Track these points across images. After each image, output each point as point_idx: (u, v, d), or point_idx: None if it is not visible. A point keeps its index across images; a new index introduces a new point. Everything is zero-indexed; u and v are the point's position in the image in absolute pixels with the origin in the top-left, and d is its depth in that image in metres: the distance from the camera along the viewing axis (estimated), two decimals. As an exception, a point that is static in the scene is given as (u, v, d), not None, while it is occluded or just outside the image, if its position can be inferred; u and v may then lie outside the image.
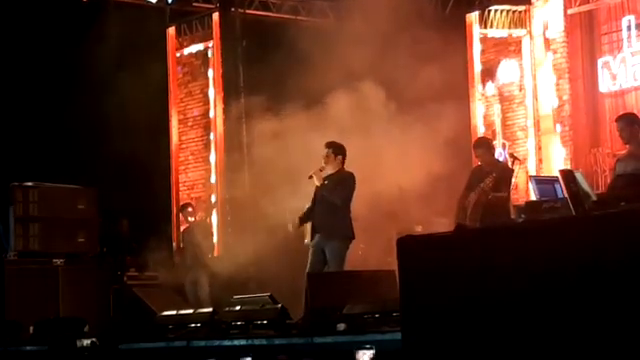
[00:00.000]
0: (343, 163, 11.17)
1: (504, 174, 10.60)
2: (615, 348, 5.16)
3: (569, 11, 14.68)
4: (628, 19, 14.10)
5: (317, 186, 11.10)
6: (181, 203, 15.62)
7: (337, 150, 11.15)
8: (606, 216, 5.65)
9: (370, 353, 6.39)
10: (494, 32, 15.29)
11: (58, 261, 13.44)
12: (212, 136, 16.21)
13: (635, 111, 11.90)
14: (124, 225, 15.58)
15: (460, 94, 14.84)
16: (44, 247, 13.58)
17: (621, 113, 11.37)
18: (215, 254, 15.30)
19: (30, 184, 13.77)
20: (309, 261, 11.10)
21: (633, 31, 14.01)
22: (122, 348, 9.66)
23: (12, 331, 11.39)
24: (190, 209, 14.87)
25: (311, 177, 11.09)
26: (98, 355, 8.70)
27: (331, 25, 16.27)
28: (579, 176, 6.19)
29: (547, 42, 14.81)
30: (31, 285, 13.14)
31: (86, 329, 10.34)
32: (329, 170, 11.12)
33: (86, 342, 8.68)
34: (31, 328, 11.13)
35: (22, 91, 15.56)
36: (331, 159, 11.10)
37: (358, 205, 13.03)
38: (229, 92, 16.13)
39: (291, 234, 13.24)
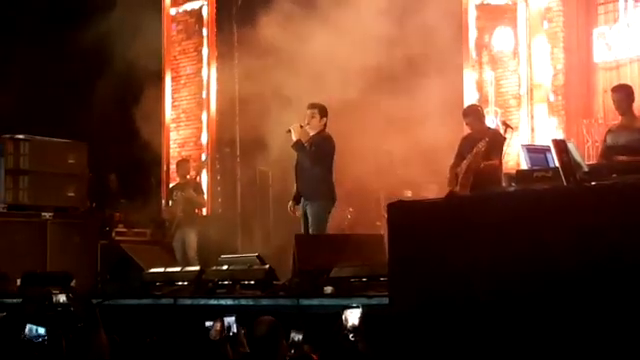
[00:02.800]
0: (325, 125, 11.11)
1: (496, 140, 10.54)
2: (599, 314, 5.18)
3: (566, -20, 14.62)
4: (626, -10, 14.03)
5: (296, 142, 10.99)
6: (179, 159, 15.54)
7: (323, 112, 11.08)
8: (598, 187, 5.66)
9: (358, 312, 6.39)
10: (490, -1, 15.21)
11: (47, 215, 13.41)
12: (204, 94, 16.16)
13: (629, 82, 11.84)
14: (112, 180, 15.55)
15: (454, 60, 14.79)
16: (33, 200, 13.55)
17: (617, 84, 11.27)
18: (205, 213, 15.29)
19: (21, 137, 13.72)
20: (302, 227, 11.01)
21: (630, 2, 13.93)
22: (109, 304, 9.66)
23: (-2, 282, 11.41)
24: (188, 165, 14.78)
25: (289, 131, 11.02)
26: (72, 311, 8.68)
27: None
28: (571, 146, 6.19)
29: (543, 10, 14.73)
30: (19, 238, 13.12)
31: (73, 284, 10.34)
32: (311, 131, 11.05)
33: (62, 298, 8.64)
34: (18, 281, 11.13)
35: (14, 44, 15.47)
36: (316, 120, 11.03)
37: (347, 169, 13.04)
38: (223, 51, 16.06)
39: (280, 194, 13.25)
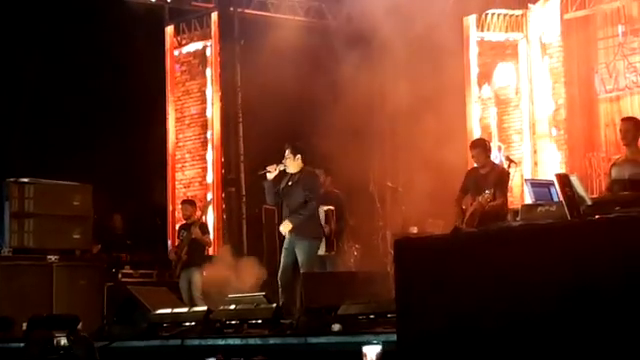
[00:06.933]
0: (304, 162, 11.10)
1: (501, 179, 10.60)
2: (607, 347, 5.19)
3: (565, 16, 14.70)
4: (624, 25, 14.12)
5: (282, 187, 11.06)
6: (183, 199, 15.55)
7: (295, 150, 11.07)
8: (601, 220, 5.67)
9: (378, 348, 6.37)
10: (491, 35, 15.30)
11: (52, 257, 13.39)
12: (209, 134, 16.22)
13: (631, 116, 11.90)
14: (116, 221, 15.55)
15: (456, 97, 14.86)
16: (39, 243, 13.54)
17: (628, 115, 11.38)
18: (211, 253, 15.30)
19: (26, 180, 13.74)
20: (281, 263, 11.00)
21: (629, 36, 14.03)
22: (116, 346, 9.65)
23: (4, 327, 11.38)
24: (191, 206, 14.76)
25: (263, 174, 11.07)
26: (74, 353, 8.68)
27: (329, 26, 16.31)
28: (575, 180, 6.21)
29: (543, 46, 14.83)
30: (25, 281, 13.10)
31: (79, 326, 10.31)
32: (291, 170, 11.06)
33: (63, 341, 8.65)
34: (24, 325, 11.11)
35: (18, 88, 15.55)
36: (290, 160, 11.03)
37: (353, 205, 13.07)
38: (227, 91, 16.14)
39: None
